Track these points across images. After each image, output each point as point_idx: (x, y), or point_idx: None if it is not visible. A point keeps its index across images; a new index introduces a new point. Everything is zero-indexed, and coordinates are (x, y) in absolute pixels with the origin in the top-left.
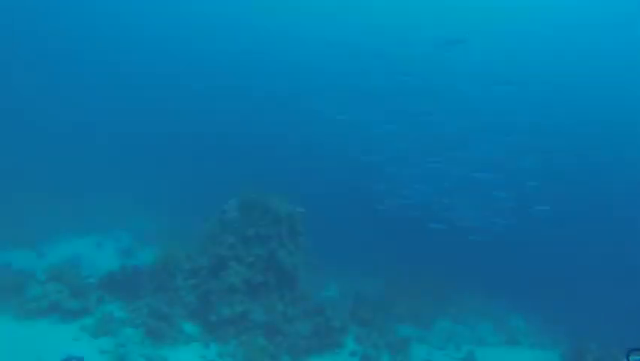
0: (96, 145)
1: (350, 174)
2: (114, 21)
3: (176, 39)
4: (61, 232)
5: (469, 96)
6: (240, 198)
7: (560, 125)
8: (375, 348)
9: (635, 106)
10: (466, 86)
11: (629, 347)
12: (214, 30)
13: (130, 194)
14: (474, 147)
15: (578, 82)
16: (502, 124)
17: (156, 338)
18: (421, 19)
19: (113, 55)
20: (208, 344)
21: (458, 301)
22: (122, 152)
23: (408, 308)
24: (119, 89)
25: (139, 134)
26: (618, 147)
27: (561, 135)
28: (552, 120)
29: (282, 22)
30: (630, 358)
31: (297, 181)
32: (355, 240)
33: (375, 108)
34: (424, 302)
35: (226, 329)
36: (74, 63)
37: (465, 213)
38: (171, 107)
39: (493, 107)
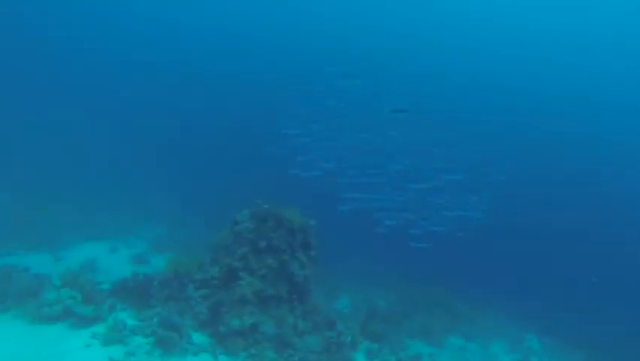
0: (113, 151)
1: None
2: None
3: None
4: (78, 236)
5: None
6: (252, 209)
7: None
8: None
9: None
10: None
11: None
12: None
13: (145, 200)
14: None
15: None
16: None
17: (166, 349)
18: None
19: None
20: (217, 356)
21: (470, 317)
22: (138, 159)
23: (419, 323)
24: (136, 95)
25: (157, 143)
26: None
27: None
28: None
29: None
30: None
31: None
32: (366, 252)
33: None
34: (436, 317)
35: (236, 341)
36: (99, 65)
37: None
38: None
39: None
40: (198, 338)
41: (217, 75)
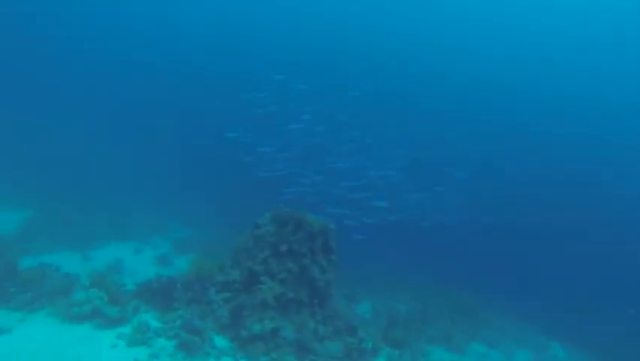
0: (137, 154)
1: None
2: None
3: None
4: (105, 236)
5: None
6: (273, 212)
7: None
8: None
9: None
10: None
11: None
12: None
13: (169, 201)
14: None
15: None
16: None
17: (188, 352)
18: None
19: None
20: (238, 360)
21: (493, 323)
22: (162, 161)
23: (441, 329)
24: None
25: (181, 144)
26: None
27: None
28: None
29: None
30: None
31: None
32: (389, 256)
33: None
34: (458, 323)
35: (257, 345)
36: (115, 66)
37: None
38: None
39: None
40: (220, 341)
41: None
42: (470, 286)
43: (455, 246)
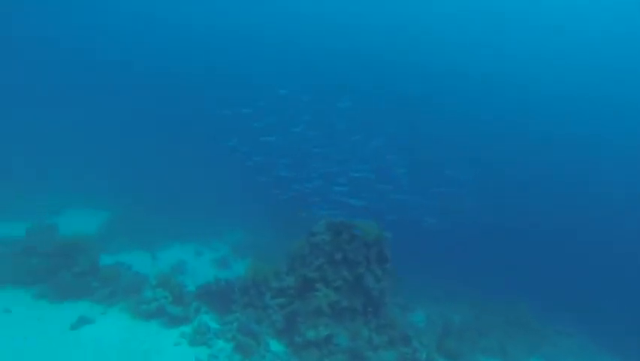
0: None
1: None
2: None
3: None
4: (170, 238)
5: None
6: (329, 220)
7: None
8: None
9: None
10: None
11: None
12: None
13: (229, 205)
14: None
15: None
16: None
17: (244, 354)
18: None
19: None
20: None
21: (552, 337)
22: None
23: (496, 342)
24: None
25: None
26: None
27: None
28: None
29: None
30: None
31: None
32: (443, 263)
33: None
34: (514, 336)
35: (311, 352)
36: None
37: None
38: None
39: None
40: (275, 346)
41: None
42: (527, 297)
43: (510, 255)
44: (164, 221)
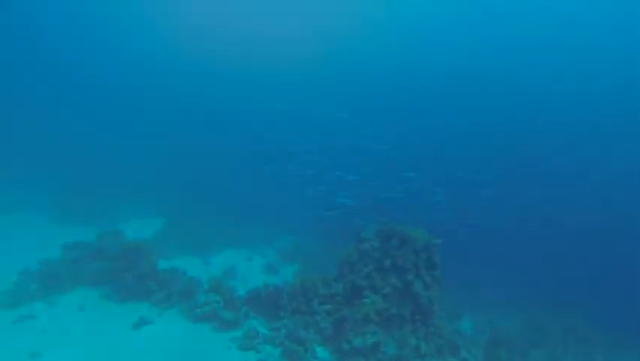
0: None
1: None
2: None
3: None
4: (221, 244)
5: None
6: (378, 226)
7: None
8: None
9: None
10: None
11: None
12: None
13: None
14: None
15: None
16: None
17: (292, 360)
18: None
19: None
20: None
21: (608, 349)
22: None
23: (548, 353)
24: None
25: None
26: None
27: None
28: None
29: None
30: None
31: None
32: (491, 271)
33: None
34: (567, 347)
35: (357, 359)
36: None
37: None
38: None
39: None
40: (322, 352)
41: None
42: (581, 305)
43: (563, 260)
44: (217, 227)
